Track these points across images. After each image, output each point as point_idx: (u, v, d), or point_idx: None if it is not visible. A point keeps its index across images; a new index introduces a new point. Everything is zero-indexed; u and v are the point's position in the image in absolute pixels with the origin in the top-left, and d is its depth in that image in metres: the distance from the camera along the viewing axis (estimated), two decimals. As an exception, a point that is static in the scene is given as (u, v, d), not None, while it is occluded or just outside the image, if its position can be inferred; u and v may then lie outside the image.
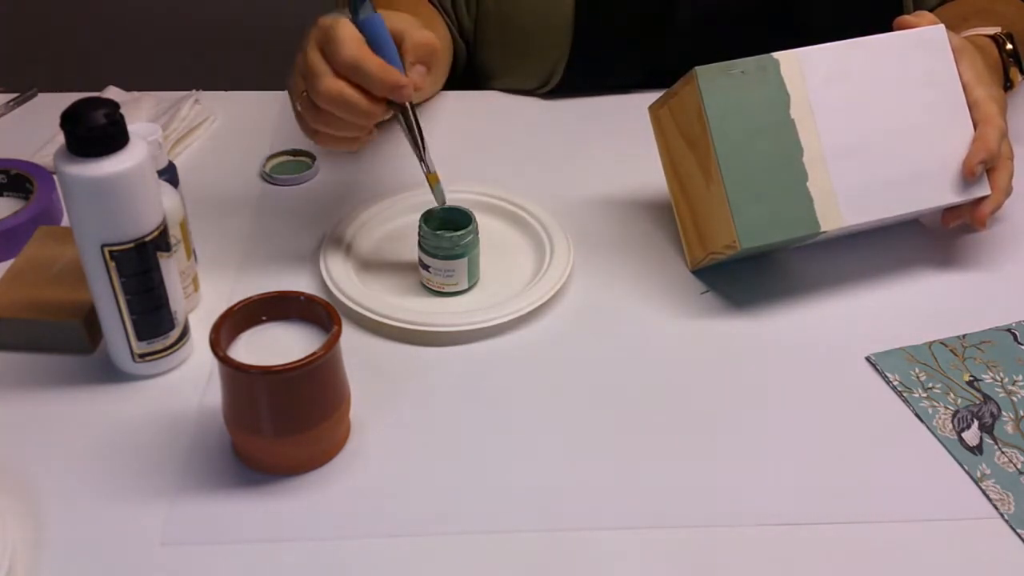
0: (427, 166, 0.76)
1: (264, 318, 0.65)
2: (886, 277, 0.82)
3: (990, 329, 0.77)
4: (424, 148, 0.75)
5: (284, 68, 1.32)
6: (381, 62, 0.69)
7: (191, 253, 0.76)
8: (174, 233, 0.72)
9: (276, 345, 0.64)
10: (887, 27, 0.81)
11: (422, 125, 0.75)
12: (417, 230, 0.78)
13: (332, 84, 0.69)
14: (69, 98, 0.66)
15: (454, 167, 0.95)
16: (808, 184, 0.75)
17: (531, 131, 1.02)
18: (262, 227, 0.87)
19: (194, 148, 0.99)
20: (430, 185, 0.77)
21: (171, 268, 0.69)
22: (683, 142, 0.79)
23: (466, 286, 0.79)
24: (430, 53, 0.72)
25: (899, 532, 0.62)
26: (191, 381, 0.72)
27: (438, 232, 0.77)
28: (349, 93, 0.69)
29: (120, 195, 0.63)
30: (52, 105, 0.93)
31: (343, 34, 0.69)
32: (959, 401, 0.71)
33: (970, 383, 0.72)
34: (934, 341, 0.75)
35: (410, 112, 0.74)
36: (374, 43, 0.71)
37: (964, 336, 0.76)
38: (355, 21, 0.71)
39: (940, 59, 0.79)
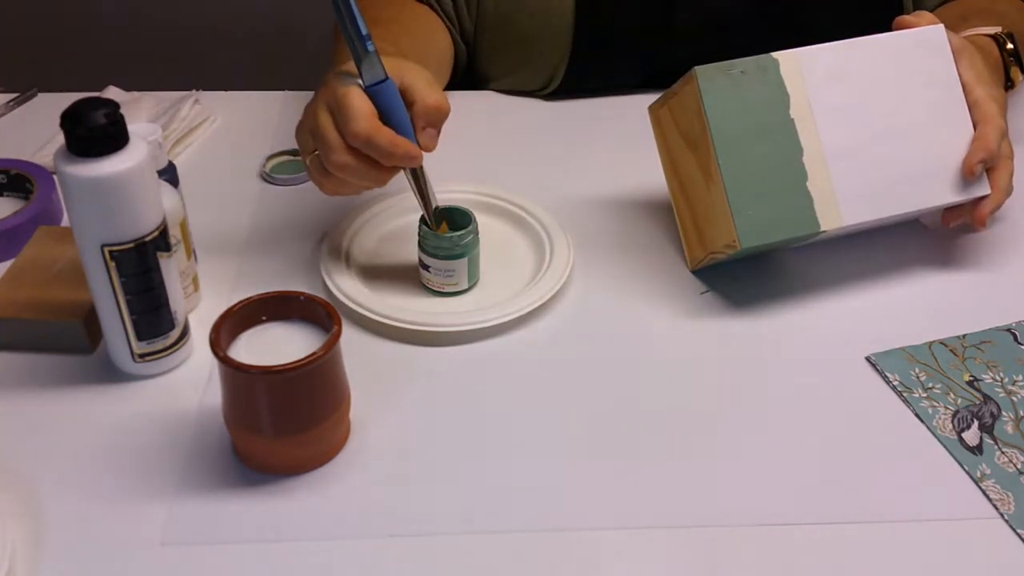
0: (434, 223, 0.77)
1: (264, 318, 0.65)
2: (886, 277, 0.82)
3: (990, 329, 0.77)
4: (431, 206, 0.76)
5: (284, 68, 1.32)
6: (392, 136, 0.69)
7: (191, 253, 0.76)
8: (174, 233, 0.72)
9: (276, 345, 0.64)
10: (886, 27, 0.81)
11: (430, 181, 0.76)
12: (417, 230, 0.78)
13: (343, 158, 0.69)
14: (69, 98, 0.66)
15: (454, 167, 0.95)
16: (808, 184, 0.75)
17: (531, 131, 1.02)
18: (262, 227, 0.87)
19: (194, 148, 0.99)
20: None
21: (171, 268, 0.69)
22: (683, 142, 0.79)
23: (466, 286, 0.79)
24: (441, 117, 0.72)
25: (899, 532, 0.62)
26: (191, 381, 0.72)
27: (438, 232, 0.77)
28: (360, 166, 0.70)
29: (120, 195, 0.63)
30: (52, 105, 0.93)
31: (354, 106, 0.68)
32: (959, 401, 0.71)
33: (970, 383, 0.72)
34: (934, 341, 0.75)
35: (420, 173, 0.74)
36: (385, 111, 0.70)
37: (964, 336, 0.76)
38: (364, 85, 0.70)
39: (940, 59, 0.79)
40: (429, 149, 0.72)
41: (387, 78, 0.70)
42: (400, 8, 1.00)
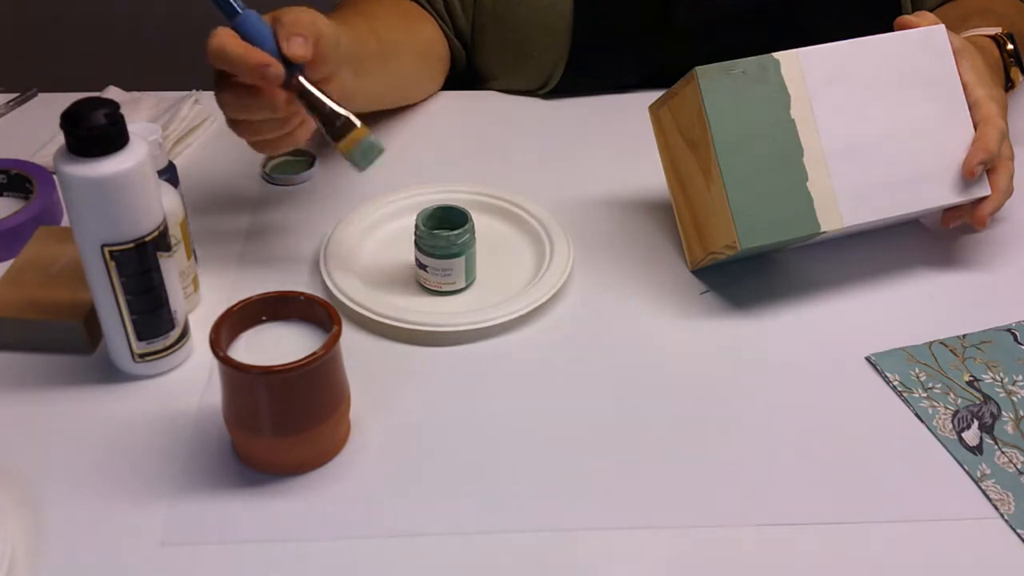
0: (333, 133, 0.73)
1: (264, 318, 0.65)
2: (886, 277, 0.82)
3: (990, 329, 0.77)
4: (331, 123, 0.72)
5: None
6: (244, 46, 0.69)
7: (191, 253, 0.76)
8: (174, 233, 0.72)
9: (276, 345, 0.64)
10: (887, 27, 0.81)
11: (332, 99, 0.73)
12: (415, 230, 0.78)
13: (221, 96, 0.72)
14: (69, 98, 0.66)
15: (454, 167, 0.95)
16: (808, 184, 0.75)
17: (531, 131, 1.02)
18: (262, 227, 0.87)
19: (194, 148, 0.99)
20: (344, 151, 0.73)
21: (171, 268, 0.69)
22: (683, 142, 0.79)
23: (463, 285, 0.79)
24: (299, 24, 0.72)
25: (899, 532, 0.62)
26: (191, 381, 0.72)
27: (434, 231, 0.77)
28: (238, 97, 0.71)
29: (120, 195, 0.63)
30: (52, 105, 0.93)
31: (216, 33, 0.70)
32: (959, 401, 0.71)
33: (970, 383, 0.72)
34: (934, 341, 0.75)
35: (306, 92, 0.72)
36: (250, 40, 0.71)
37: (964, 336, 0.76)
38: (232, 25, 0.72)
39: (941, 59, 0.79)
40: (297, 57, 0.70)
41: (244, 10, 0.71)
42: (383, 3, 0.99)
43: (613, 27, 1.03)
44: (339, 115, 0.72)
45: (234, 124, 0.75)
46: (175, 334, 0.71)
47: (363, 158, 0.73)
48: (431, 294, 0.80)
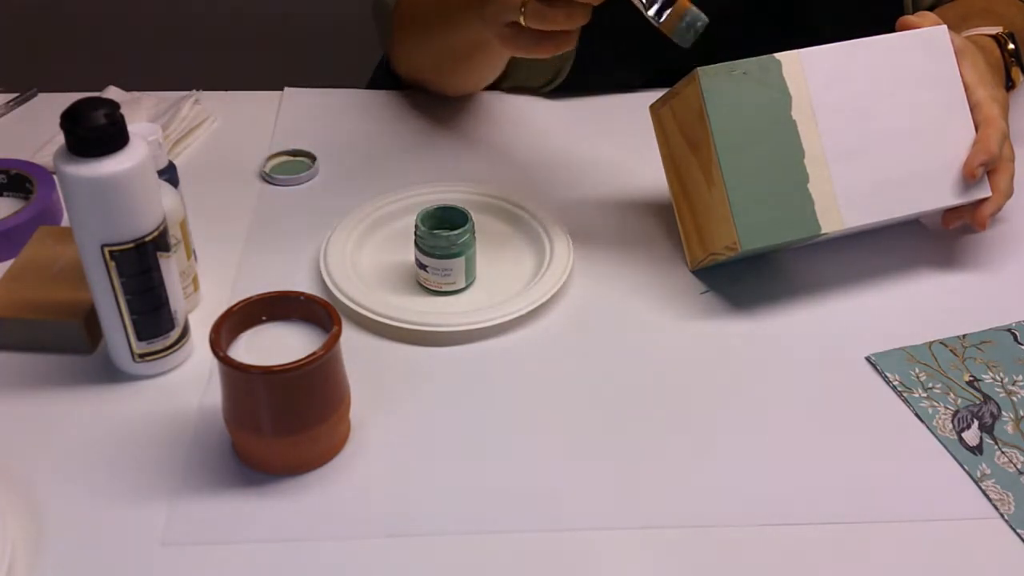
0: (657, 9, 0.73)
1: (264, 318, 0.65)
2: (886, 277, 0.82)
3: (990, 329, 0.77)
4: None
5: (284, 68, 1.31)
6: None
7: (191, 253, 0.76)
8: (174, 233, 0.72)
9: (276, 345, 0.64)
10: (889, 27, 0.80)
11: None
12: (414, 230, 0.78)
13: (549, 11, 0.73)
14: (69, 98, 0.66)
15: (455, 167, 0.95)
16: (809, 185, 0.75)
17: (532, 131, 1.02)
18: (262, 227, 0.87)
19: (194, 148, 0.99)
20: (670, 28, 0.73)
21: (171, 268, 0.69)
22: (684, 142, 0.79)
23: (463, 285, 0.79)
24: None
25: (899, 532, 0.62)
26: (191, 381, 0.72)
27: (434, 231, 0.77)
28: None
29: (120, 195, 0.63)
30: (52, 105, 0.93)
31: None
32: (959, 401, 0.71)
33: (970, 383, 0.72)
34: (934, 341, 0.75)
35: None
36: None
37: (964, 336, 0.76)
38: None
39: (942, 60, 0.79)
40: None
41: None
42: None
43: (615, 26, 1.03)
44: None
45: (545, 11, 0.75)
46: (175, 334, 0.71)
47: (687, 30, 0.72)
48: (431, 294, 0.80)
